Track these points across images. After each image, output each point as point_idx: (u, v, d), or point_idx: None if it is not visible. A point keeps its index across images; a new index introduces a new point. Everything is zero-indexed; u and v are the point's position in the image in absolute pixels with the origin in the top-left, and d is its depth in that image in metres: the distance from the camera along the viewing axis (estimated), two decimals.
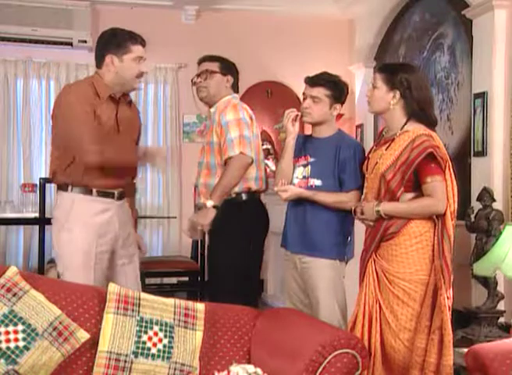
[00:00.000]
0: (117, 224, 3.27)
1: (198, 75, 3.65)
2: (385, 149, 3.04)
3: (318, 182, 3.38)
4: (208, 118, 3.75)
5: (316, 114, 3.41)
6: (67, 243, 3.17)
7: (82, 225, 3.18)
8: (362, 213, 3.08)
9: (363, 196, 3.28)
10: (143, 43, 3.28)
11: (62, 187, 3.23)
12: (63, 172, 3.21)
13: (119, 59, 3.21)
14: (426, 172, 2.94)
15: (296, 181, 3.43)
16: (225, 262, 3.54)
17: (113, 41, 3.23)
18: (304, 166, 3.44)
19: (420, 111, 3.02)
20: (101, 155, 3.10)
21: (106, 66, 3.23)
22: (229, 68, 3.68)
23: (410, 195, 3.00)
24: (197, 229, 3.45)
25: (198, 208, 3.65)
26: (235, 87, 3.72)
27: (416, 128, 3.00)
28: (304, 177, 3.42)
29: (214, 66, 3.63)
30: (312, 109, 3.39)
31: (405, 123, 3.03)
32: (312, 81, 3.42)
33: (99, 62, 3.26)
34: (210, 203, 3.42)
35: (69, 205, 3.20)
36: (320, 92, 3.38)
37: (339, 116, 6.66)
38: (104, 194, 3.23)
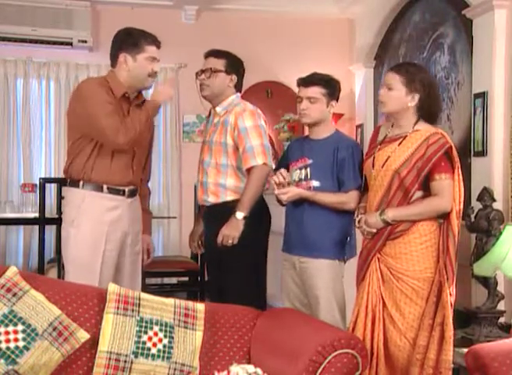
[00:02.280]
0: (126, 222, 3.30)
1: (203, 71, 3.62)
2: (398, 144, 3.05)
3: (316, 183, 3.38)
4: (214, 116, 3.68)
5: (314, 114, 3.42)
6: (75, 239, 3.18)
7: (91, 222, 3.21)
8: (366, 224, 3.08)
9: (366, 200, 3.27)
10: (157, 43, 3.31)
11: (73, 184, 3.25)
12: (75, 168, 3.24)
13: (133, 58, 3.25)
14: (436, 169, 2.97)
15: (294, 185, 3.41)
16: (250, 262, 3.53)
17: (128, 41, 3.26)
18: (301, 168, 3.44)
19: (432, 110, 3.08)
20: (125, 132, 3.12)
21: (119, 65, 3.27)
22: (234, 66, 3.64)
23: (419, 193, 3.02)
24: (227, 242, 3.44)
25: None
26: (238, 86, 3.68)
27: (426, 128, 3.04)
28: (301, 180, 3.41)
29: (219, 64, 3.59)
30: (310, 110, 3.40)
31: (416, 123, 3.06)
32: (306, 82, 3.43)
33: (113, 60, 3.30)
34: (240, 215, 3.42)
35: (80, 202, 3.22)
36: (315, 92, 3.40)
37: (339, 115, 6.73)
38: (114, 191, 3.25)
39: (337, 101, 3.49)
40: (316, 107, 3.40)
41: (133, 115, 3.21)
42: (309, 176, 3.39)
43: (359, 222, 3.12)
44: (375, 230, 3.05)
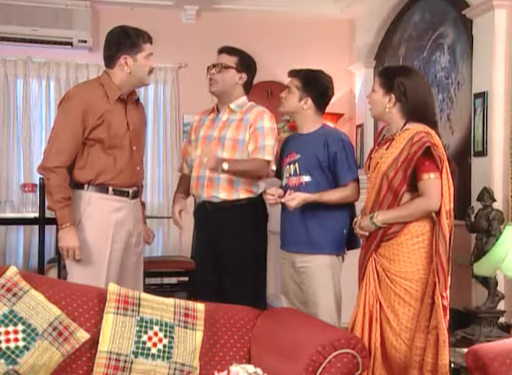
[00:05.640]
0: (131, 223, 3.32)
1: (214, 65, 3.61)
2: (386, 149, 3.05)
3: (307, 178, 3.39)
4: (223, 112, 3.61)
5: (287, 104, 3.50)
6: (80, 241, 3.17)
7: (97, 224, 3.22)
8: (359, 227, 3.09)
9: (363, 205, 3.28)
10: (150, 40, 3.31)
11: (78, 186, 3.25)
12: (80, 170, 3.24)
13: (133, 59, 3.24)
14: (421, 169, 2.96)
15: (285, 181, 3.46)
16: (249, 262, 3.52)
17: (126, 41, 3.24)
18: (290, 163, 3.46)
19: (417, 114, 3.04)
20: (52, 172, 3.17)
21: (119, 67, 3.25)
22: (246, 65, 3.63)
23: (408, 195, 3.01)
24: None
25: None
26: (247, 87, 3.67)
27: (416, 126, 3.02)
28: (291, 175, 3.43)
29: (230, 61, 3.58)
30: (284, 99, 3.50)
31: (404, 124, 3.05)
32: (290, 72, 3.55)
33: (111, 62, 3.27)
34: (226, 166, 3.34)
35: (85, 204, 3.23)
36: (292, 83, 3.50)
37: (339, 115, 6.73)
38: (119, 192, 3.26)
39: (317, 101, 3.47)
40: (289, 97, 3.48)
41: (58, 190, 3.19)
42: (298, 171, 3.41)
43: (354, 224, 3.13)
44: (367, 234, 3.06)
